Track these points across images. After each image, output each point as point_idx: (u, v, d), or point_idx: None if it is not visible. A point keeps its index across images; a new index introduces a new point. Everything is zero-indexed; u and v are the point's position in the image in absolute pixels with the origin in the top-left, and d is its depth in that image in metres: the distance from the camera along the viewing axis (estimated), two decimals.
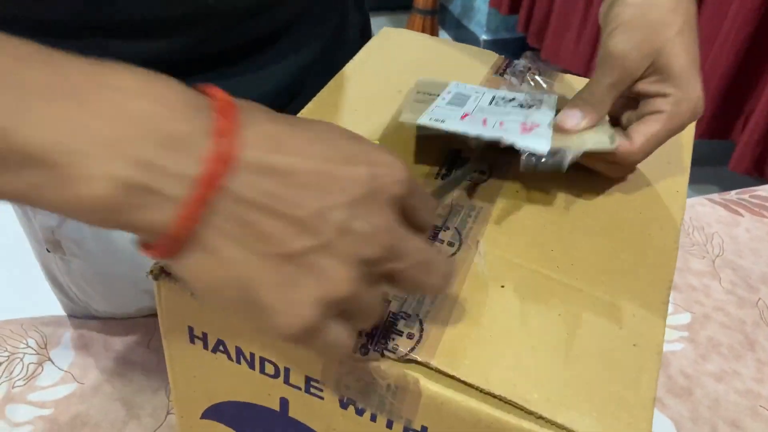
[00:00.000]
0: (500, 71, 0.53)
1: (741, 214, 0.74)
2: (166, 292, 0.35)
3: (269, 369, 0.35)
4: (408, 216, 0.29)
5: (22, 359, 0.56)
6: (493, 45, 2.42)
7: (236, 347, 0.35)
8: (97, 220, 0.25)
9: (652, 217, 0.42)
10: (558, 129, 0.40)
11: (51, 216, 0.55)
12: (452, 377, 0.31)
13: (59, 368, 0.55)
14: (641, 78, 0.41)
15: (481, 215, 0.39)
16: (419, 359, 0.31)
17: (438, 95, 0.45)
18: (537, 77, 0.51)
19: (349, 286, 0.26)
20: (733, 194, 0.76)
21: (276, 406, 0.37)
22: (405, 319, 0.33)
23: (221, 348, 0.36)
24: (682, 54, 0.40)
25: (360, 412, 0.34)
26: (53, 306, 0.63)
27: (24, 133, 0.23)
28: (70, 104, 0.24)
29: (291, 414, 0.37)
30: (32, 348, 0.56)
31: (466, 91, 0.45)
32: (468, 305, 0.34)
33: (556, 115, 0.41)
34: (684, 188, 0.45)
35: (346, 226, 0.26)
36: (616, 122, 0.43)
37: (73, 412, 0.52)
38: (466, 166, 0.43)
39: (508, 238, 0.38)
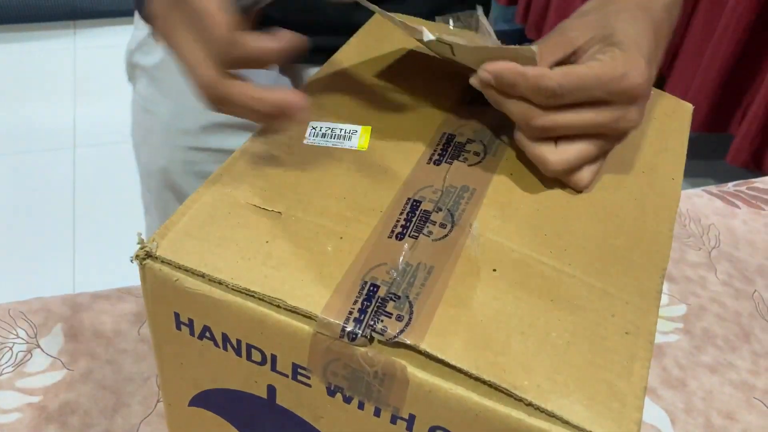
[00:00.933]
0: None
1: (738, 206, 0.73)
2: (151, 276, 0.35)
3: (256, 356, 0.35)
4: None
5: (11, 348, 0.55)
6: None
7: (222, 333, 0.35)
8: None
9: (647, 203, 0.41)
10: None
11: (135, 39, 0.68)
12: (441, 361, 0.31)
13: (48, 354, 0.55)
14: (584, 50, 0.40)
15: (474, 197, 0.39)
16: (408, 342, 0.31)
17: None
18: None
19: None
20: (730, 186, 0.76)
21: (263, 394, 0.37)
22: (394, 300, 0.32)
23: (207, 335, 0.35)
24: (630, 34, 0.39)
25: (347, 400, 0.34)
26: (38, 289, 0.63)
27: None
28: None
29: (278, 402, 0.37)
30: (22, 338, 0.56)
31: None
32: (459, 288, 0.34)
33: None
34: (680, 175, 0.44)
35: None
36: None
37: (62, 399, 0.52)
38: (461, 148, 0.42)
39: (501, 222, 0.38)
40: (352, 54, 0.51)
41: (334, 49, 0.50)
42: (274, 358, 0.34)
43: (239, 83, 0.36)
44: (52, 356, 0.55)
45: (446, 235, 0.36)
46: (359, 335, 0.32)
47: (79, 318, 0.57)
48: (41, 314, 0.58)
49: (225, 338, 0.35)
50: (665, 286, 0.62)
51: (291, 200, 0.38)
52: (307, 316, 0.32)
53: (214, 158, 0.69)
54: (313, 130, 0.43)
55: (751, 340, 0.60)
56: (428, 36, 0.39)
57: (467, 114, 0.46)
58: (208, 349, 0.36)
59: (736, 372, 0.57)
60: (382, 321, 0.31)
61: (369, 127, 0.44)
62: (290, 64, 0.61)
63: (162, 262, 0.34)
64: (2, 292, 1.51)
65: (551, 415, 0.30)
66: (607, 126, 0.38)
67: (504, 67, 0.37)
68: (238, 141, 0.63)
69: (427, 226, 0.36)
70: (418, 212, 0.38)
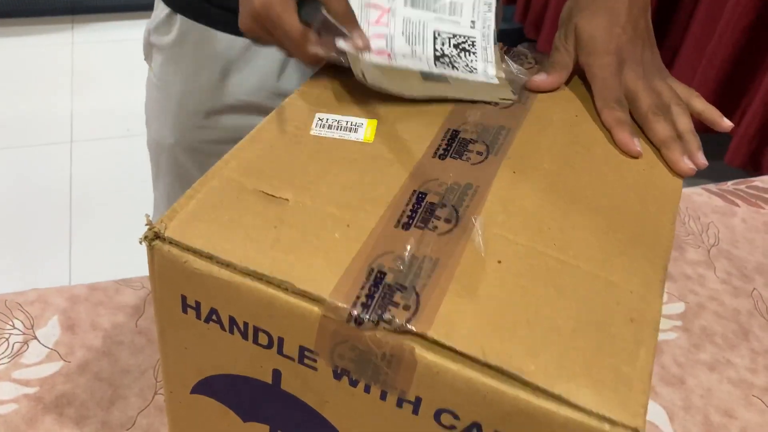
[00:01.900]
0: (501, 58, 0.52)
1: (737, 204, 0.73)
2: (159, 258, 0.35)
3: (263, 339, 0.35)
4: None
5: (8, 339, 0.55)
6: None
7: (230, 316, 0.35)
8: None
9: (648, 198, 0.41)
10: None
11: (153, 19, 0.70)
12: (448, 348, 0.31)
13: (45, 346, 0.54)
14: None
15: (478, 194, 0.39)
16: (415, 330, 0.31)
17: None
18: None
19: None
20: (729, 185, 0.76)
21: (268, 379, 0.37)
22: (401, 291, 0.33)
23: (214, 317, 0.36)
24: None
25: (354, 383, 0.34)
26: (35, 282, 0.62)
27: None
28: None
29: (283, 387, 0.37)
30: (18, 329, 0.55)
31: None
32: (464, 279, 0.34)
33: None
34: None
35: None
36: None
37: (59, 390, 0.51)
38: (465, 145, 0.43)
39: (505, 217, 0.38)
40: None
41: None
42: (281, 341, 0.34)
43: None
44: (48, 347, 0.54)
45: (451, 230, 0.36)
46: (366, 320, 0.32)
47: (76, 310, 0.57)
48: (38, 306, 0.57)
49: (232, 321, 0.35)
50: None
51: (298, 188, 0.38)
52: (316, 300, 0.33)
53: (223, 138, 0.70)
54: (320, 122, 0.44)
55: (750, 338, 0.60)
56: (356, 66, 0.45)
57: (470, 112, 0.46)
58: (214, 333, 0.36)
59: (735, 370, 0.57)
60: (389, 310, 0.32)
61: (375, 121, 0.44)
62: None
63: (170, 243, 0.34)
64: None
65: (559, 399, 0.30)
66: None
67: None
68: (246, 122, 0.64)
69: (433, 221, 0.37)
70: (423, 204, 0.38)
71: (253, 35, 0.47)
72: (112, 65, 2.26)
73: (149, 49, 0.72)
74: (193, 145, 0.72)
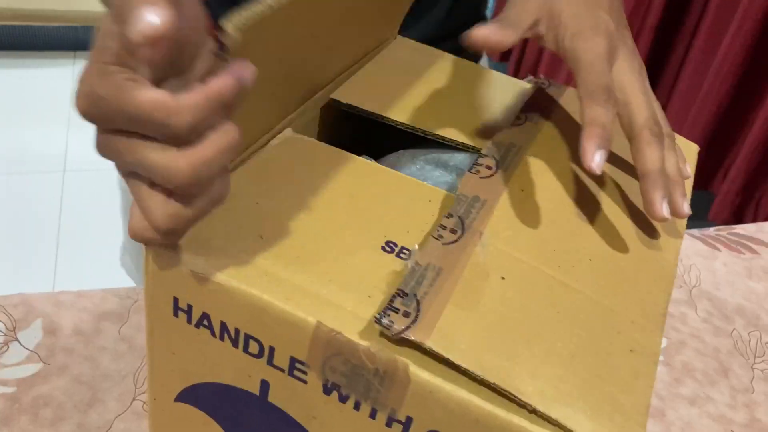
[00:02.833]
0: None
1: (719, 249, 0.74)
2: (154, 257, 0.34)
3: (253, 347, 0.34)
4: None
5: None
6: None
7: (221, 322, 0.34)
8: None
9: (654, 229, 0.41)
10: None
11: None
12: (446, 361, 0.30)
13: (26, 347, 0.53)
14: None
15: (485, 208, 0.39)
16: (414, 338, 0.30)
17: None
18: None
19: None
20: (711, 230, 0.78)
21: (256, 390, 0.36)
22: (402, 297, 0.32)
23: (205, 323, 0.35)
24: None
25: (343, 399, 0.33)
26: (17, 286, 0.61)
27: None
28: None
29: (270, 399, 0.36)
30: (0, 331, 0.54)
31: None
32: (466, 291, 0.33)
33: None
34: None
35: None
36: None
37: (36, 392, 0.50)
38: (474, 160, 0.43)
39: (511, 233, 0.38)
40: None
41: None
42: (272, 350, 0.34)
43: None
44: (29, 349, 0.53)
45: (456, 240, 0.36)
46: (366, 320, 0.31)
47: (60, 315, 0.56)
48: (21, 309, 0.56)
49: (223, 327, 0.34)
50: None
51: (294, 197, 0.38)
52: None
53: None
54: None
55: (730, 376, 0.60)
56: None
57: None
58: (204, 339, 0.35)
59: (714, 405, 0.57)
60: (388, 315, 0.31)
61: None
62: None
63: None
64: None
65: (555, 424, 0.29)
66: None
67: None
68: None
69: (438, 230, 0.36)
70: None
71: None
72: None
73: None
74: None
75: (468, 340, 0.31)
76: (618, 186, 0.44)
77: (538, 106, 0.49)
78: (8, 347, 0.53)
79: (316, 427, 0.35)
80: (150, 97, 0.26)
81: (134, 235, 0.30)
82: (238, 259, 0.33)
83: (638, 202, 0.43)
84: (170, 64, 0.26)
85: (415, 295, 0.32)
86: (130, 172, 0.29)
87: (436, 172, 0.45)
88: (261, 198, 0.37)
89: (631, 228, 0.41)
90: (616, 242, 0.39)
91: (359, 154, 0.43)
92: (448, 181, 0.43)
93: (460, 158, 0.44)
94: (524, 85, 0.52)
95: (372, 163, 0.42)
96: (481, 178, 0.41)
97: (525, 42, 2.20)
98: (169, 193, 0.28)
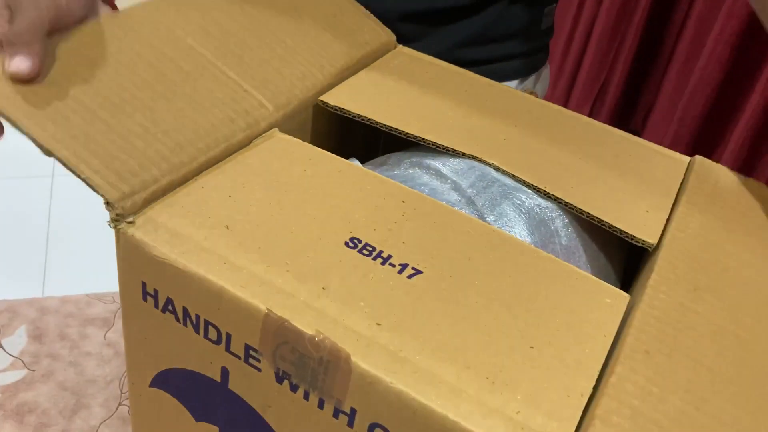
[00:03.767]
0: None
1: None
2: (124, 241, 0.36)
3: (212, 334, 0.35)
4: None
5: None
6: None
7: (183, 307, 0.35)
8: None
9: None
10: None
11: None
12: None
13: (9, 354, 0.55)
14: None
15: None
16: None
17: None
18: None
19: None
20: None
21: (217, 377, 0.37)
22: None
23: (170, 308, 0.36)
24: None
25: (294, 389, 0.34)
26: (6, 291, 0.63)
27: None
28: None
29: (231, 386, 0.36)
30: None
31: None
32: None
33: None
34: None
35: None
36: None
37: (21, 398, 0.52)
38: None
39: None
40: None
41: None
42: (228, 337, 0.34)
43: None
44: (13, 356, 0.55)
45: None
46: None
47: (45, 321, 0.57)
48: (6, 315, 0.58)
49: (185, 313, 0.35)
50: None
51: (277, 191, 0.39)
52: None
53: None
54: None
55: None
56: None
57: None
58: (170, 324, 0.36)
59: None
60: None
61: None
62: None
63: (135, 228, 0.35)
64: None
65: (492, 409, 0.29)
66: None
67: None
68: None
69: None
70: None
71: None
72: None
73: None
74: None
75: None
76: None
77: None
78: None
79: (272, 417, 0.36)
80: None
81: None
82: (201, 246, 0.34)
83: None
84: None
85: None
86: None
87: (424, 177, 0.45)
88: (235, 192, 0.38)
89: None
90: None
91: (348, 157, 0.43)
92: (429, 184, 0.44)
93: (451, 162, 0.45)
94: (521, 95, 0.52)
95: (354, 164, 0.43)
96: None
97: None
98: None
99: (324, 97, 0.47)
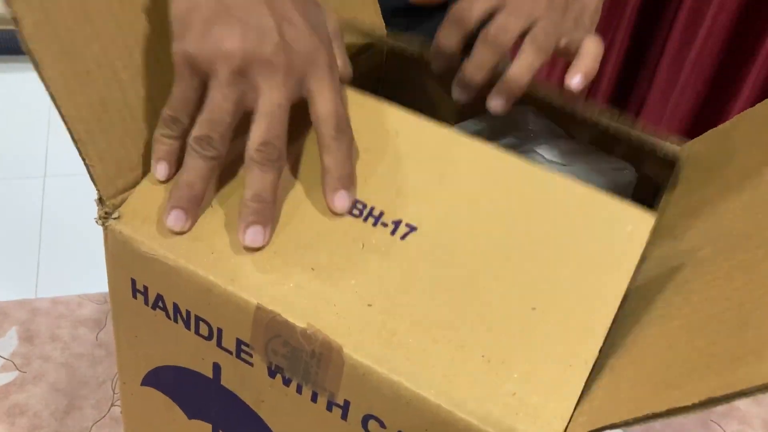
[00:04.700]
0: None
1: None
2: (112, 239, 0.35)
3: (203, 329, 0.35)
4: None
5: None
6: None
7: (173, 303, 0.35)
8: None
9: None
10: None
11: None
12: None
13: (0, 356, 0.54)
14: None
15: None
16: None
17: None
18: None
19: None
20: None
21: (209, 373, 0.36)
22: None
23: (160, 304, 0.36)
24: None
25: (287, 382, 0.33)
26: None
27: None
28: None
29: (223, 382, 0.36)
30: None
31: None
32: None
33: None
34: None
35: None
36: None
37: (12, 400, 0.51)
38: None
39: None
40: None
41: None
42: (219, 332, 0.34)
43: None
44: (4, 358, 0.54)
45: None
46: None
47: (36, 322, 0.57)
48: None
49: (176, 309, 0.35)
50: None
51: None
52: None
53: None
54: None
55: None
56: None
57: None
58: (160, 321, 0.36)
59: None
60: None
61: None
62: None
63: (123, 224, 0.35)
64: None
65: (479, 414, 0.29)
66: None
67: None
68: None
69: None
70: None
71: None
72: None
73: None
74: None
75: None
76: None
77: None
78: None
79: (266, 412, 0.36)
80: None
81: None
82: (190, 237, 0.34)
83: None
84: None
85: None
86: None
87: None
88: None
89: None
90: None
91: None
92: None
93: None
94: None
95: None
96: None
97: None
98: None
99: None
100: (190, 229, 0.34)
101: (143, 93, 0.37)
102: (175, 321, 0.36)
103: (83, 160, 0.34)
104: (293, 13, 0.34)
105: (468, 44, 0.46)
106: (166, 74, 0.35)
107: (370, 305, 0.32)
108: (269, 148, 0.33)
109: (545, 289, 0.32)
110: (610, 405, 0.28)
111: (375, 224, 0.35)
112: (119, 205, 0.35)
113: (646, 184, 0.46)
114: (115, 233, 0.35)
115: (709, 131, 0.43)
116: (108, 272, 0.37)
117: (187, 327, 0.35)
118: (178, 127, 0.35)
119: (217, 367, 0.36)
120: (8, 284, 1.62)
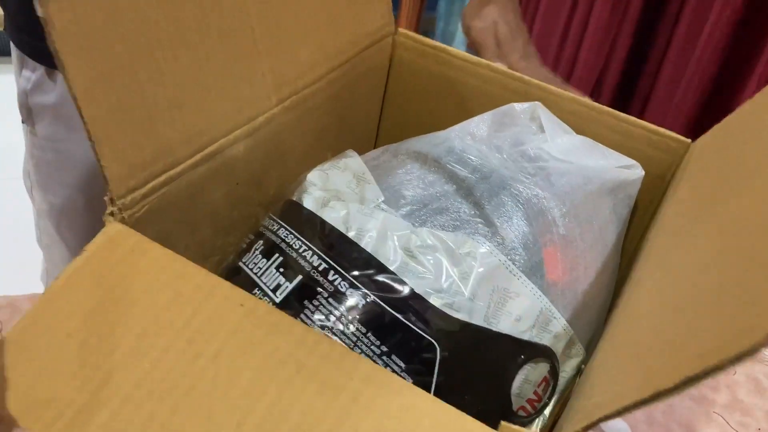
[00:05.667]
0: None
1: None
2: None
3: None
4: None
5: None
6: None
7: None
8: None
9: None
10: None
11: (27, 80, 0.61)
12: None
13: None
14: None
15: None
16: None
17: None
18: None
19: None
20: None
21: None
22: None
23: None
24: None
25: None
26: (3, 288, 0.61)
27: None
28: None
29: None
30: None
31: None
32: None
33: None
34: None
35: None
36: None
37: None
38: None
39: None
40: None
41: None
42: None
43: None
44: None
45: None
46: None
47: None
48: (7, 310, 0.57)
49: None
50: None
51: None
52: None
53: None
54: None
55: None
56: None
57: None
58: None
59: (696, 387, 0.56)
60: None
61: None
62: None
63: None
64: None
65: None
66: None
67: None
68: None
69: None
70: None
71: None
72: None
73: (29, 112, 0.65)
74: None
75: None
76: None
77: None
78: None
79: None
80: None
81: None
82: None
83: None
84: None
85: None
86: None
87: (419, 167, 0.45)
88: None
89: None
90: None
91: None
92: (424, 178, 0.44)
93: (437, 151, 0.45)
94: None
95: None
96: None
97: None
98: None
99: None
100: None
101: (160, 93, 0.36)
102: None
103: (98, 160, 0.34)
104: None
105: None
106: (184, 74, 0.36)
107: None
108: None
109: None
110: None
111: None
112: (129, 204, 0.36)
113: (653, 180, 0.46)
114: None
115: (716, 126, 0.43)
116: None
117: None
118: None
119: None
120: (19, 278, 1.61)
